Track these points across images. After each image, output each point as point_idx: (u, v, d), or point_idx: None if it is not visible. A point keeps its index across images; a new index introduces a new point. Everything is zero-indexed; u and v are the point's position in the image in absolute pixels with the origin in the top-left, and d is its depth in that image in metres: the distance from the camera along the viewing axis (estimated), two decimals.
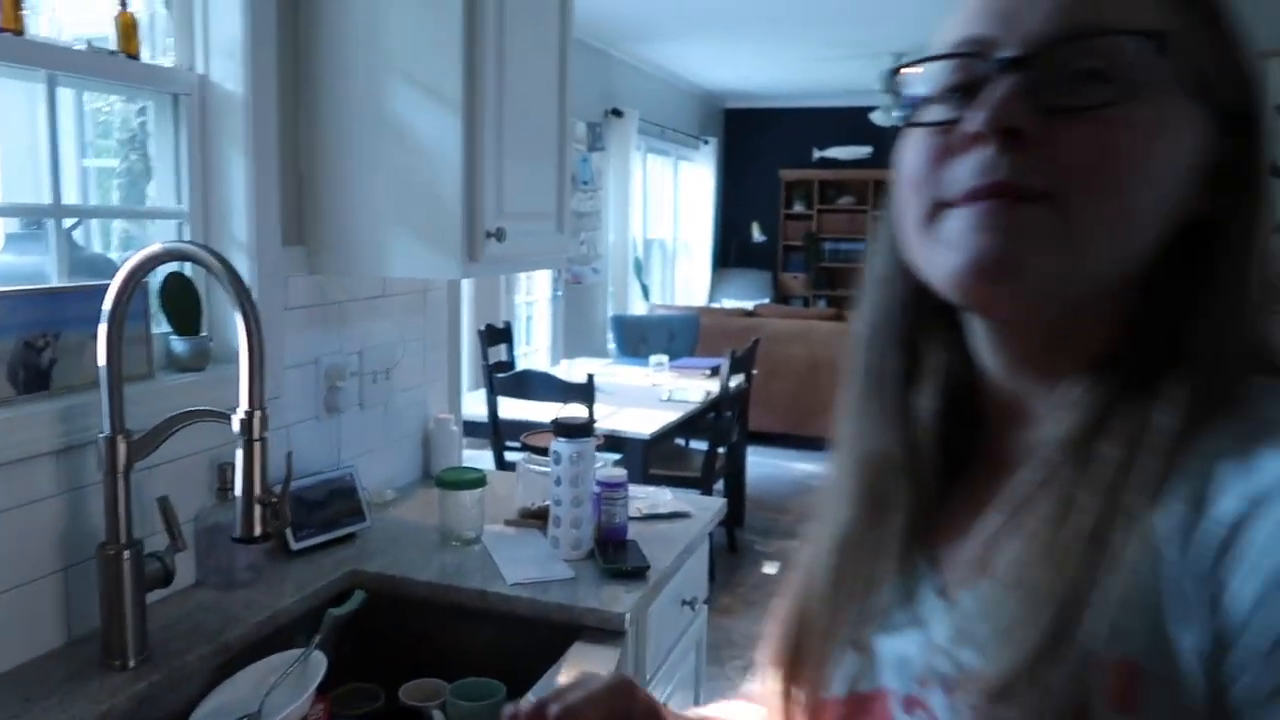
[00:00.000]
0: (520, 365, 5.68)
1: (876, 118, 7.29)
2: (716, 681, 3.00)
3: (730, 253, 9.40)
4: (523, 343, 6.13)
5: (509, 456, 3.52)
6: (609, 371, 4.68)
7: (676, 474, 3.75)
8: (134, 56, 1.45)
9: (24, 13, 1.26)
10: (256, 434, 1.11)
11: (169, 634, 1.33)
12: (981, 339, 0.57)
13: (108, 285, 1.19)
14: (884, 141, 8.17)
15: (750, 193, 9.39)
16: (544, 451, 1.85)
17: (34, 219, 1.56)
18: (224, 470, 1.43)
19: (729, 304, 8.25)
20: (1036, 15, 0.49)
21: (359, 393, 1.89)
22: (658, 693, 1.66)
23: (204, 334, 1.53)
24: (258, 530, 1.12)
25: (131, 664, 1.21)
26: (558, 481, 1.65)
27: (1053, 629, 0.47)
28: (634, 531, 1.74)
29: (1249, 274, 0.51)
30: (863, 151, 8.86)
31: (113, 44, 1.44)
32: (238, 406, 1.11)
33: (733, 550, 4.39)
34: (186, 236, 1.55)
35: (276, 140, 1.60)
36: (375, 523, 1.79)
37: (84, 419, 1.26)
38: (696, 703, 1.96)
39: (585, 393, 3.27)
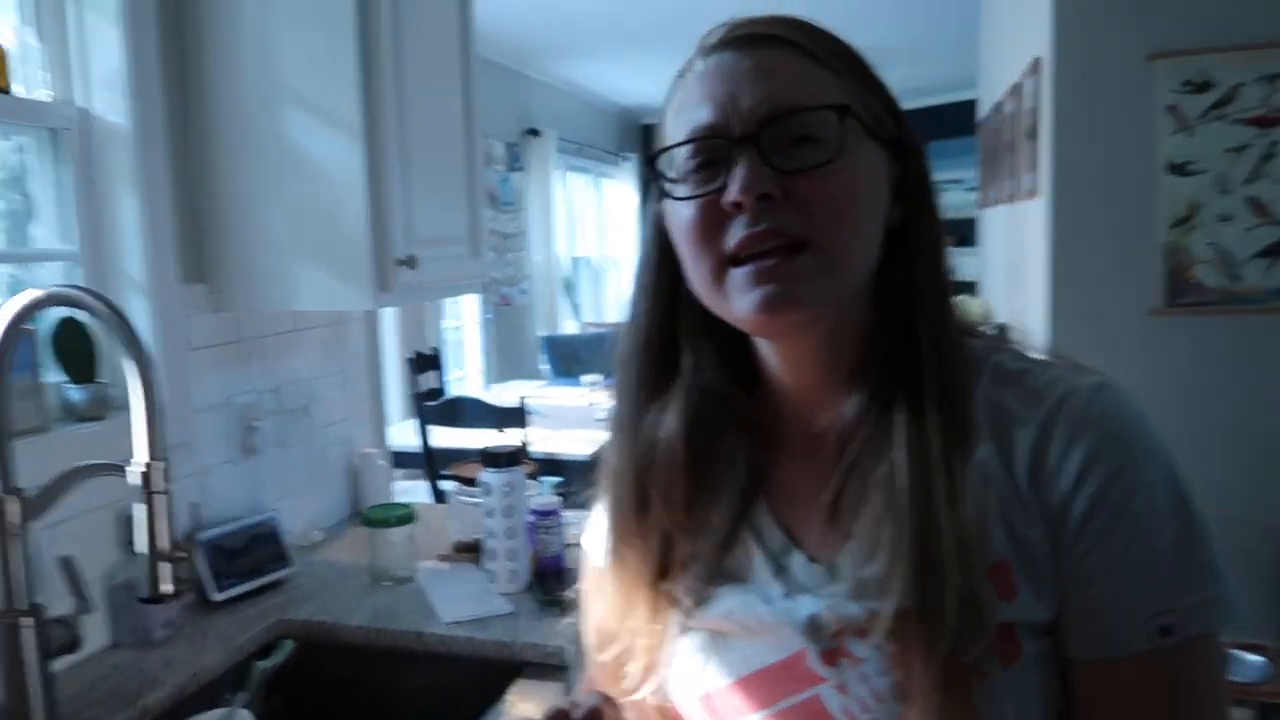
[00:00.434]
0: (453, 391, 5.58)
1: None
2: None
3: None
4: (454, 368, 6.03)
5: (444, 486, 3.44)
6: (542, 394, 4.62)
7: None
8: (4, 91, 1.37)
9: None
10: (158, 486, 1.04)
11: (81, 702, 1.25)
12: (770, 353, 0.72)
13: None
14: None
15: None
16: (474, 482, 1.80)
17: None
18: (132, 524, 1.35)
19: None
20: (750, 103, 0.64)
21: (278, 432, 1.81)
22: None
23: (102, 381, 1.45)
24: (166, 588, 1.05)
25: None
26: (490, 513, 1.60)
27: (917, 559, 0.61)
28: (572, 559, 1.70)
29: (940, 257, 0.69)
30: None
31: None
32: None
33: None
34: (77, 278, 1.47)
35: (169, 173, 1.53)
36: (303, 567, 1.72)
37: None
38: None
39: (518, 417, 3.22)
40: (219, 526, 1.60)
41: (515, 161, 6.61)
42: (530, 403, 3.82)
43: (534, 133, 6.75)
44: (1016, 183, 3.28)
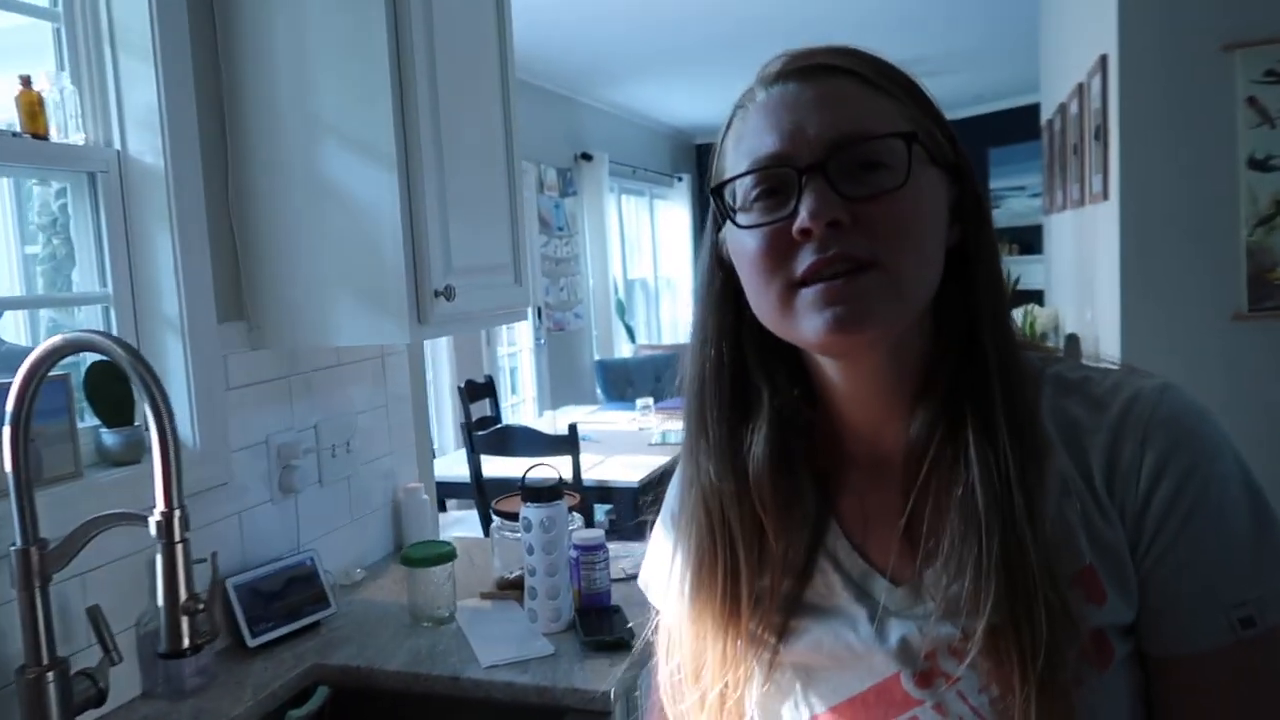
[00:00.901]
0: (508, 418, 5.57)
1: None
2: None
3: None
4: (508, 395, 6.03)
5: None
6: (594, 419, 4.57)
7: None
8: (42, 136, 1.36)
9: None
10: (177, 536, 1.00)
11: None
12: (834, 375, 0.71)
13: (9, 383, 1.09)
14: None
15: None
16: (516, 517, 1.74)
17: None
18: None
19: None
20: (816, 131, 0.64)
21: (317, 469, 1.78)
22: None
23: (137, 424, 1.43)
24: (186, 643, 1.01)
25: None
26: (530, 550, 1.54)
27: (1005, 575, 0.61)
28: (619, 595, 1.63)
29: (998, 275, 0.70)
30: None
31: (18, 126, 1.35)
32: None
33: None
34: (112, 321, 1.46)
35: (205, 211, 1.51)
36: (342, 607, 1.68)
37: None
38: None
39: (569, 444, 3.16)
40: (256, 569, 1.57)
41: (568, 186, 6.61)
42: (582, 428, 3.78)
43: (586, 157, 6.75)
44: (1084, 186, 3.14)
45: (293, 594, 1.59)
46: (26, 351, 1.63)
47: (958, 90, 7.56)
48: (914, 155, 0.64)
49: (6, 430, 1.07)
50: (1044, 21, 4.38)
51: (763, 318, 0.69)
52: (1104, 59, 2.64)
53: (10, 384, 1.19)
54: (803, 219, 0.63)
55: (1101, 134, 2.71)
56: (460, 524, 3.80)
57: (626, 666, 1.40)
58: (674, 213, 8.91)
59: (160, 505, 1.00)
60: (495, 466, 3.38)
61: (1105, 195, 2.69)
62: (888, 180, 0.63)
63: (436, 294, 1.55)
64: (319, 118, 1.53)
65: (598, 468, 3.50)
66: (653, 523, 0.88)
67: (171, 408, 1.01)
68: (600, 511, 4.05)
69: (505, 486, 3.35)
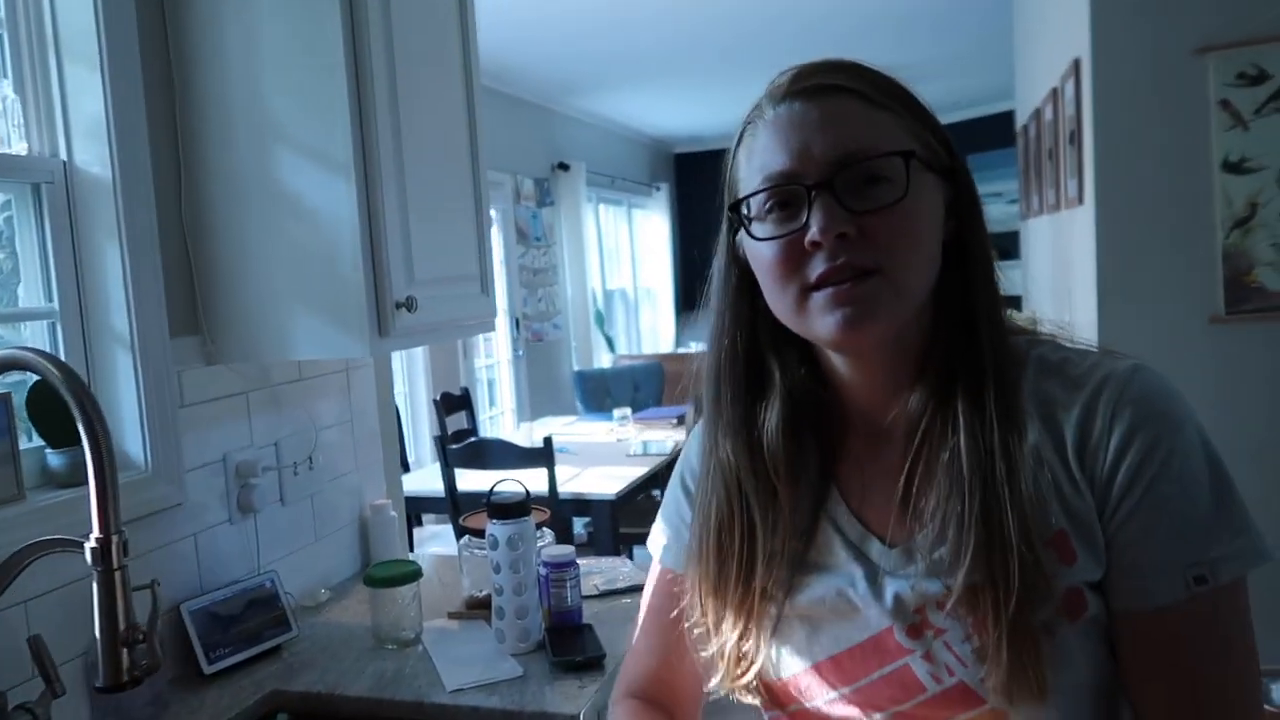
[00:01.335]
0: (486, 430, 5.51)
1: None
2: None
3: (694, 296, 9.30)
4: (487, 407, 5.97)
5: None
6: (571, 430, 4.52)
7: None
8: None
9: None
10: (115, 562, 0.95)
11: None
12: (839, 359, 0.79)
13: None
14: None
15: (708, 234, 9.30)
16: (484, 534, 1.70)
17: None
18: None
19: (697, 347, 8.12)
20: (822, 151, 0.72)
21: (278, 488, 1.73)
22: None
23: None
24: (125, 676, 0.95)
25: None
26: (497, 568, 1.49)
27: (983, 536, 0.69)
28: (591, 613, 1.58)
29: (991, 264, 0.77)
30: None
31: None
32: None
33: None
34: (59, 337, 1.40)
35: (156, 224, 1.46)
36: (304, 630, 1.62)
37: None
38: None
39: (544, 456, 3.11)
40: (212, 592, 1.52)
41: (545, 196, 6.57)
42: (558, 440, 3.73)
43: (563, 167, 6.72)
44: (1059, 191, 3.13)
45: (252, 618, 1.54)
46: None
47: (934, 97, 7.55)
48: (911, 169, 0.72)
49: None
50: (1017, 28, 4.39)
51: (780, 315, 0.77)
52: (1077, 63, 2.63)
53: None
54: (813, 233, 0.71)
55: (1076, 138, 2.70)
56: (436, 539, 3.74)
57: (598, 688, 1.36)
58: (653, 222, 8.88)
59: (96, 530, 0.94)
60: (471, 480, 3.33)
61: (1080, 199, 2.68)
62: (888, 194, 0.71)
63: (398, 305, 1.51)
64: (274, 126, 1.48)
65: (574, 480, 3.45)
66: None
67: (106, 427, 0.96)
68: (579, 524, 4.00)
69: (479, 500, 3.30)
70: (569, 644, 1.46)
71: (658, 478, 3.67)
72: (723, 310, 0.83)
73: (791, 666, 0.79)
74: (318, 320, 1.50)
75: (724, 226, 0.82)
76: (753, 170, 0.75)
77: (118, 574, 0.96)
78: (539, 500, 2.13)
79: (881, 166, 0.71)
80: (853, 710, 0.77)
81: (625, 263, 8.47)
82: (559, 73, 5.92)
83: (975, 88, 6.94)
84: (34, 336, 1.43)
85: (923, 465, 0.74)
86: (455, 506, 3.27)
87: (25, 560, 1.03)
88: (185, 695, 1.40)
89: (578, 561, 1.57)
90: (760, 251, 0.75)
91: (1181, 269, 2.45)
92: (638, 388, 5.39)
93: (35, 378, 1.33)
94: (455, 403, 4.38)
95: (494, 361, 6.12)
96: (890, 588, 0.74)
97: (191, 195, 1.53)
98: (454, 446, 3.25)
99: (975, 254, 0.76)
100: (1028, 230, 4.33)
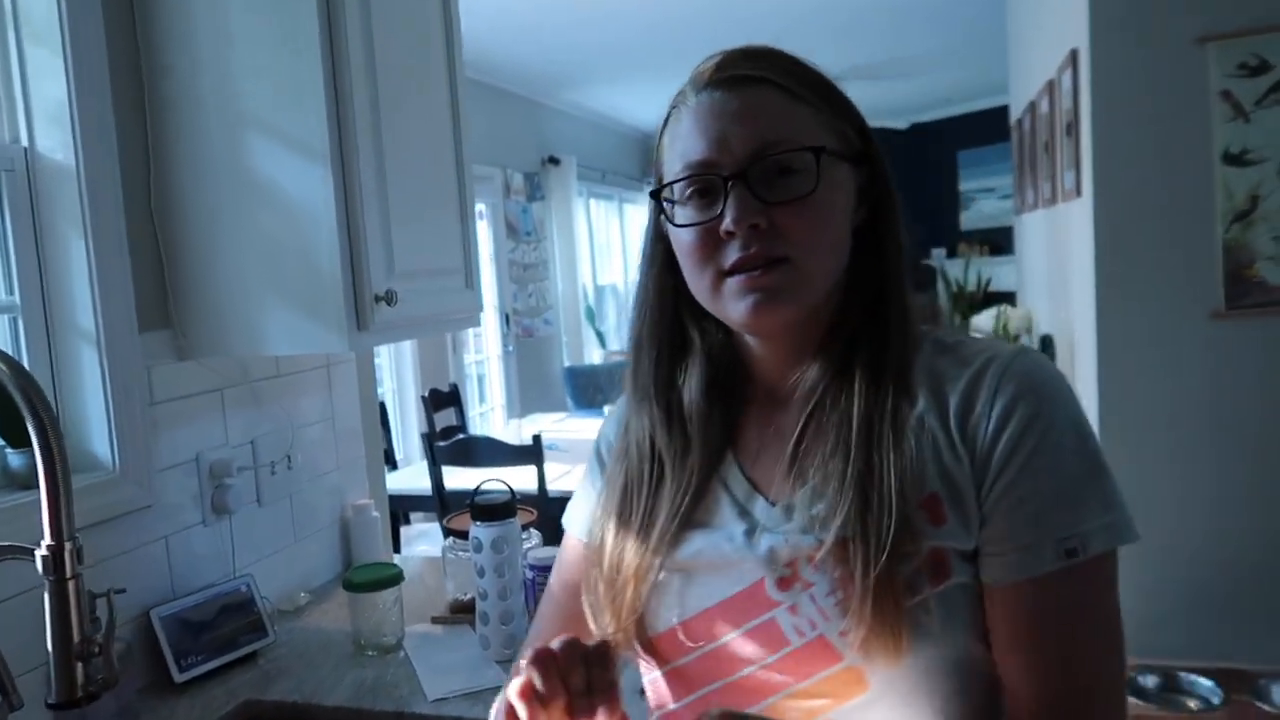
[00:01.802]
0: (476, 427, 5.45)
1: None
2: None
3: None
4: (476, 403, 5.91)
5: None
6: (561, 427, 4.46)
7: None
8: None
9: None
10: (68, 571, 0.89)
11: None
12: (750, 340, 0.84)
13: None
14: None
15: None
16: (468, 535, 1.64)
17: None
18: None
19: None
20: (738, 143, 0.76)
21: (255, 488, 1.67)
22: None
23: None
24: (79, 692, 0.90)
25: None
26: (481, 572, 1.44)
27: (860, 493, 0.72)
28: None
29: (901, 250, 0.81)
30: None
31: None
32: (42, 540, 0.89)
33: None
34: (20, 332, 1.34)
35: (123, 213, 1.40)
36: (281, 636, 1.57)
37: None
38: None
39: (533, 454, 3.06)
40: (184, 598, 1.46)
41: (536, 191, 6.51)
42: (548, 437, 3.67)
43: (554, 161, 6.65)
44: (1054, 184, 3.08)
45: (226, 623, 1.48)
46: None
47: (925, 93, 7.55)
48: (822, 163, 0.75)
49: None
50: (1011, 20, 4.34)
51: (696, 296, 0.81)
52: (1074, 53, 2.58)
53: None
54: (728, 223, 0.75)
55: (1073, 130, 2.65)
56: (424, 538, 3.68)
57: None
58: (644, 217, 8.79)
59: (47, 537, 0.89)
60: (459, 479, 3.27)
61: (1078, 192, 2.63)
62: (800, 186, 0.75)
63: (377, 299, 1.45)
64: (247, 111, 1.42)
65: (564, 478, 3.39)
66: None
67: (58, 426, 0.90)
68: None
69: (466, 500, 3.24)
70: None
71: None
72: (647, 284, 0.86)
73: (665, 620, 0.81)
74: (293, 313, 1.44)
75: (650, 205, 0.86)
76: (674, 156, 0.79)
77: (71, 584, 0.90)
78: (526, 500, 2.08)
79: (794, 160, 0.75)
80: (717, 666, 0.78)
81: (616, 258, 8.41)
82: (549, 65, 5.85)
83: (968, 82, 6.90)
84: None
85: (813, 428, 0.78)
86: (443, 505, 3.22)
87: None
88: (155, 705, 1.34)
89: None
90: (680, 236, 0.79)
91: (1181, 263, 2.40)
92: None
93: None
94: (444, 399, 4.32)
95: (484, 357, 6.05)
96: (765, 541, 0.77)
97: (160, 184, 1.47)
98: (441, 444, 3.19)
99: (886, 240, 0.81)
100: (1022, 225, 4.29)
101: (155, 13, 1.44)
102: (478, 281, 1.79)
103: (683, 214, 0.78)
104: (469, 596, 1.65)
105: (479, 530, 1.44)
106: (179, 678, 1.38)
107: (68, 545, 0.89)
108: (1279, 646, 2.35)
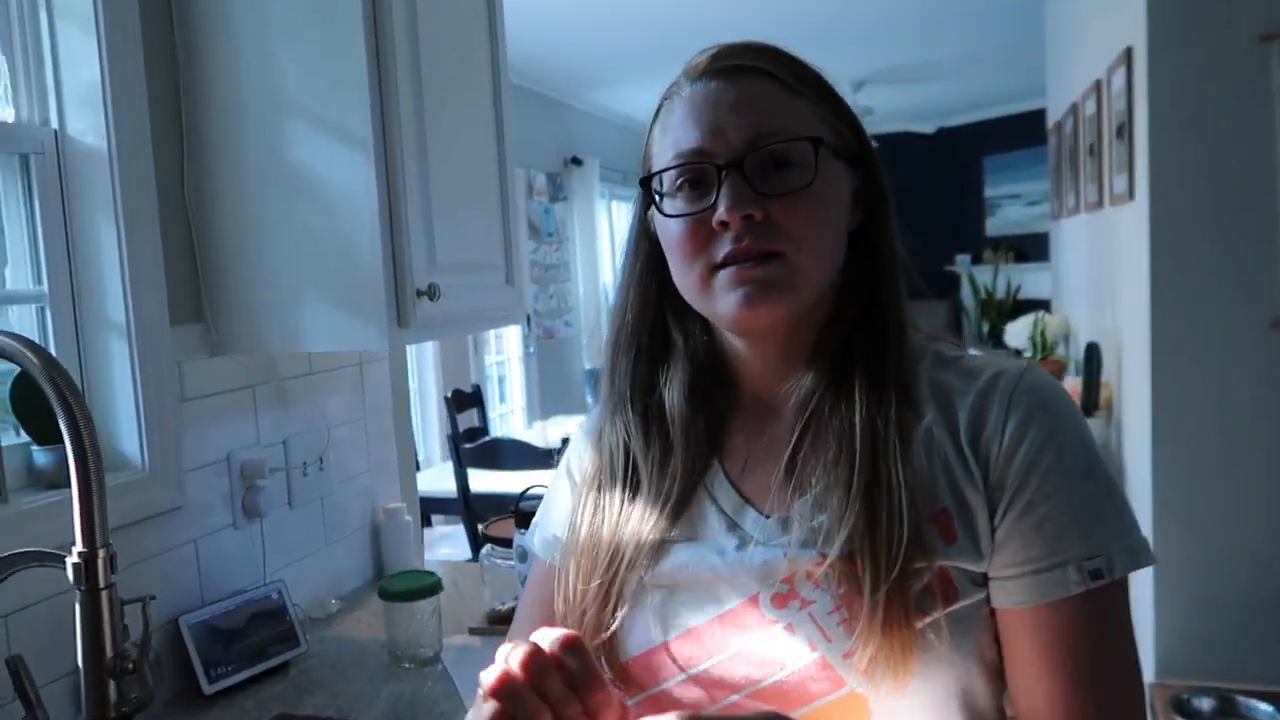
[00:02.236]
0: (496, 428, 5.39)
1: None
2: None
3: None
4: (496, 404, 5.85)
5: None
6: None
7: None
8: None
9: None
10: (101, 581, 0.83)
11: None
12: (737, 341, 0.79)
13: None
14: None
15: None
16: (508, 543, 1.57)
17: None
18: None
19: None
20: (734, 132, 0.72)
21: (286, 490, 1.61)
22: None
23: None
24: (112, 712, 0.83)
25: None
26: (525, 583, 1.37)
27: (868, 504, 0.68)
28: None
29: (896, 254, 0.78)
30: None
31: None
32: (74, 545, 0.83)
33: None
34: (49, 323, 1.28)
35: (156, 201, 1.34)
36: (314, 646, 1.50)
37: None
38: None
39: (560, 458, 2.99)
40: (214, 604, 1.39)
41: (558, 192, 6.45)
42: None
43: (576, 162, 6.59)
44: (1101, 188, 2.99)
45: (257, 632, 1.41)
46: None
47: (952, 97, 7.45)
48: (820, 156, 0.72)
49: None
50: (1051, 20, 4.25)
51: (684, 291, 0.77)
52: (1129, 51, 2.50)
53: None
54: (721, 213, 0.71)
55: (1125, 131, 2.56)
56: (446, 541, 3.62)
57: None
58: None
59: (79, 543, 0.82)
60: (484, 481, 3.20)
61: (1131, 195, 2.54)
62: (797, 178, 0.71)
63: (419, 293, 1.38)
64: (286, 97, 1.36)
65: None
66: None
67: (92, 423, 0.84)
68: None
69: (493, 502, 3.18)
70: None
71: None
72: (629, 283, 0.82)
73: (642, 641, 0.74)
74: (332, 308, 1.37)
75: (636, 200, 0.82)
76: (666, 146, 0.76)
77: (104, 594, 0.83)
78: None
79: (791, 150, 0.72)
80: (700, 693, 0.71)
81: None
82: (572, 65, 5.79)
83: (997, 86, 6.80)
84: (20, 323, 1.31)
85: (810, 437, 0.74)
86: (468, 508, 3.15)
87: (1, 574, 0.91)
88: (183, 718, 1.28)
89: None
90: (669, 227, 0.75)
91: (1240, 270, 2.31)
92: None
93: (17, 370, 1.21)
94: (466, 400, 4.26)
95: (505, 358, 6.00)
96: (760, 556, 0.72)
97: (195, 171, 1.41)
98: (468, 446, 3.13)
99: (881, 244, 0.77)
100: (1060, 230, 4.20)
101: None
102: (519, 279, 1.72)
103: (672, 205, 0.75)
104: (507, 605, 1.58)
105: (525, 539, 1.37)
106: (208, 689, 1.32)
107: (101, 552, 0.83)
108: None
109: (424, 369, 4.90)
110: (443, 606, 1.52)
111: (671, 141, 0.75)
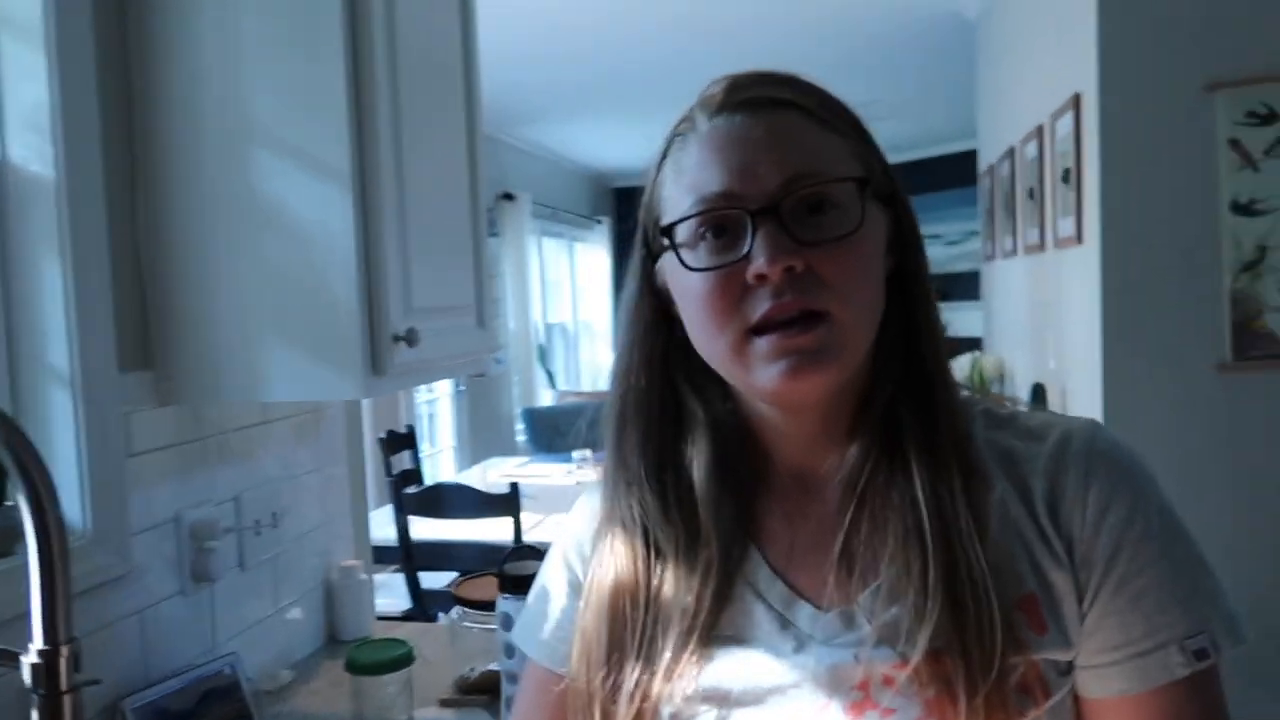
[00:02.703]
0: (426, 470, 5.21)
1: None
2: None
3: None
4: (426, 445, 5.67)
5: (425, 583, 3.07)
6: (525, 473, 4.27)
7: None
8: None
9: None
10: (63, 683, 0.70)
11: None
12: (770, 411, 0.69)
13: None
14: None
15: None
16: (484, 606, 1.47)
17: None
18: None
19: None
20: (767, 172, 0.63)
21: (238, 550, 1.47)
22: None
23: (9, 503, 1.11)
24: None
25: None
26: (509, 652, 1.27)
27: (951, 592, 0.60)
28: None
29: (934, 303, 0.70)
30: None
31: None
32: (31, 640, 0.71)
33: None
34: None
35: (106, 235, 1.21)
36: None
37: None
38: None
39: (509, 504, 2.88)
40: (161, 683, 1.25)
41: (490, 227, 6.35)
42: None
43: (509, 197, 6.51)
44: (1043, 231, 3.06)
45: (209, 713, 1.28)
46: None
47: (887, 139, 7.62)
48: (865, 198, 0.64)
49: None
50: (982, 67, 4.37)
51: (711, 358, 0.67)
52: (1077, 98, 2.56)
53: None
54: (760, 264, 0.62)
55: (1073, 176, 2.62)
56: (383, 590, 3.44)
57: None
58: (594, 256, 8.73)
59: (38, 640, 0.70)
60: (422, 528, 3.06)
61: (1079, 239, 2.60)
62: (839, 225, 0.63)
63: (396, 338, 1.28)
64: (255, 124, 1.25)
65: (538, 528, 3.21)
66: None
67: (55, 495, 0.72)
68: None
69: (436, 551, 3.04)
70: None
71: None
72: (632, 345, 0.73)
73: None
74: (300, 354, 1.26)
75: (638, 252, 0.72)
76: (682, 190, 0.66)
77: (68, 699, 0.71)
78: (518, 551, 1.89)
79: (833, 193, 0.64)
80: None
81: (566, 296, 8.27)
82: (505, 100, 5.73)
83: (915, 131, 6.99)
84: None
85: (867, 518, 0.65)
86: (409, 557, 3.00)
87: None
88: None
89: None
90: (692, 285, 0.65)
91: (1188, 314, 2.37)
92: (592, 425, 5.17)
93: None
94: (400, 441, 4.09)
95: (435, 397, 5.83)
96: (825, 659, 0.63)
97: (150, 203, 1.28)
98: (409, 491, 2.98)
99: (918, 292, 0.69)
100: (993, 272, 4.29)
101: (151, 12, 1.26)
102: (491, 319, 1.63)
103: (694, 258, 0.65)
104: (476, 672, 1.47)
105: (509, 604, 1.27)
106: None
107: (65, 650, 0.71)
108: None
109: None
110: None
111: (690, 184, 0.66)
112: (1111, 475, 0.64)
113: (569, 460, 4.24)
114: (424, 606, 3.03)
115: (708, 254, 0.64)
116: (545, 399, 7.00)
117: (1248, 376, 2.34)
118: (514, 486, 2.89)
